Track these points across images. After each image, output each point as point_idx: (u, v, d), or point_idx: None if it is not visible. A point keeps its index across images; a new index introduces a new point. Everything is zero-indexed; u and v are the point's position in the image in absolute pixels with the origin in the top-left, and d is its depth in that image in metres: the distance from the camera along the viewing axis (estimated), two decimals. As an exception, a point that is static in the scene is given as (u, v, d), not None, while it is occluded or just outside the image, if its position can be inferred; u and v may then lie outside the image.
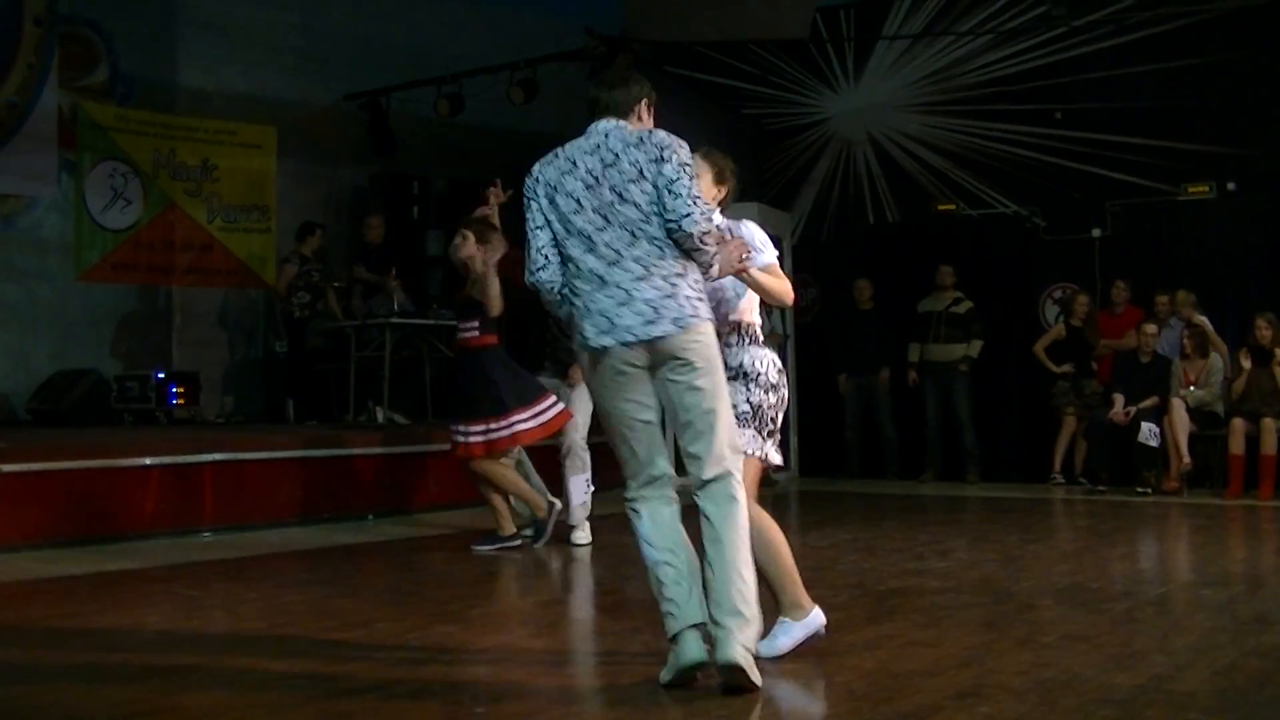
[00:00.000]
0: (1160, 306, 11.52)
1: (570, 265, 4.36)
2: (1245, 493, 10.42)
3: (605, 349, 4.29)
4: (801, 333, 13.43)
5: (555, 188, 4.40)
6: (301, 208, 13.49)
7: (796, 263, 13.56)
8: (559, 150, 4.51)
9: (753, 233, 4.78)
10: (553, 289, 4.40)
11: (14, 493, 7.67)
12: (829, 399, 13.03)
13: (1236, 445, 10.53)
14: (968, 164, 13.45)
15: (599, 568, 7.41)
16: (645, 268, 4.27)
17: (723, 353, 4.45)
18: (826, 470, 12.99)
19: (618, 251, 4.28)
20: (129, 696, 4.24)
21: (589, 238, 4.31)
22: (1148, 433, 10.81)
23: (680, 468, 4.50)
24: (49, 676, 4.60)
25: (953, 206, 13.49)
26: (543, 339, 7.65)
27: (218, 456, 8.69)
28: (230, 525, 8.57)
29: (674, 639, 4.22)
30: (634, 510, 4.40)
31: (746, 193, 13.82)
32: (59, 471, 7.91)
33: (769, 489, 11.75)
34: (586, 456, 8.16)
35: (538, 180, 4.47)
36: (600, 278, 4.30)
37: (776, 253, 4.84)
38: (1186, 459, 10.70)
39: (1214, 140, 12.14)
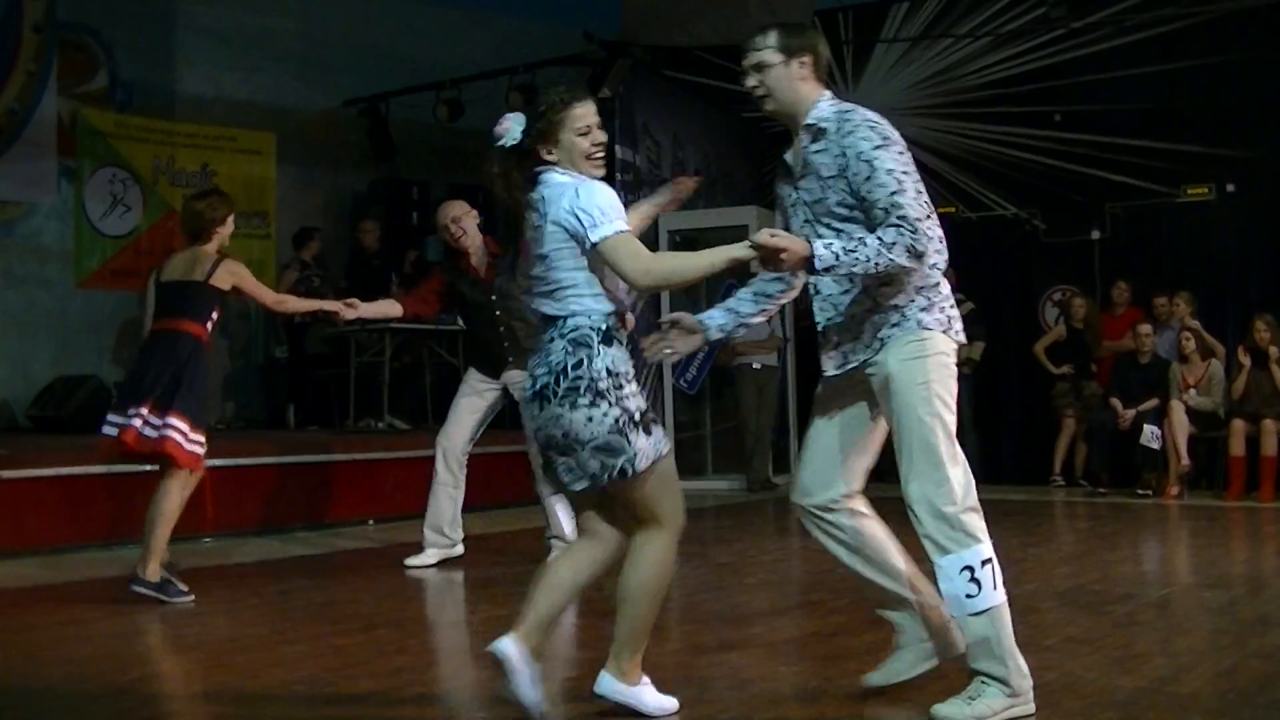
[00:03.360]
0: (1159, 309, 11.52)
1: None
2: (1246, 494, 10.42)
3: None
4: (802, 336, 13.42)
5: None
6: (301, 214, 13.51)
7: (796, 266, 13.55)
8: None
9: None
10: None
11: (15, 499, 7.67)
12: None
13: (1237, 447, 10.53)
14: (967, 167, 13.45)
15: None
16: None
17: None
18: (827, 474, 12.97)
19: None
20: (130, 703, 4.24)
21: None
22: (1150, 435, 10.81)
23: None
24: (50, 682, 4.60)
25: (952, 209, 13.47)
26: (510, 334, 7.24)
27: (218, 462, 8.65)
28: (231, 531, 8.57)
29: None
30: None
31: (746, 196, 13.92)
32: (59, 478, 7.91)
33: (771, 493, 11.78)
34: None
35: None
36: None
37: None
38: (1186, 461, 10.70)
39: (1213, 142, 12.15)
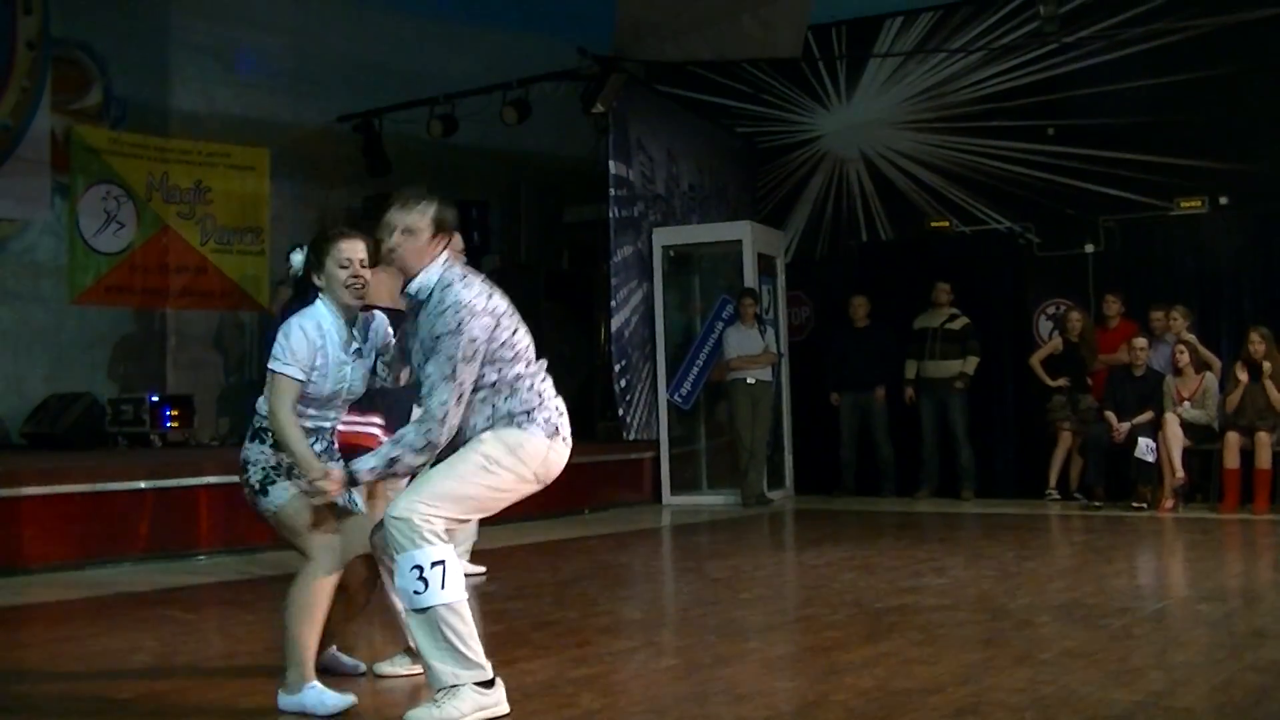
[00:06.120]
0: (1156, 322, 11.52)
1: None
2: (1240, 507, 10.42)
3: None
4: (795, 351, 13.43)
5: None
6: (295, 230, 13.49)
7: (790, 281, 13.58)
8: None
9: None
10: None
11: (9, 517, 7.65)
12: (824, 417, 13.03)
13: (1231, 459, 10.53)
14: (961, 181, 13.48)
15: (595, 588, 7.40)
16: None
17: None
18: (822, 488, 12.97)
19: None
20: (124, 721, 4.22)
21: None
22: (1144, 448, 10.80)
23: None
24: (44, 701, 4.58)
25: (946, 223, 13.52)
26: None
27: (212, 480, 8.66)
28: (225, 548, 8.54)
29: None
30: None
31: (739, 211, 13.94)
32: (54, 496, 7.88)
33: (766, 508, 11.77)
34: None
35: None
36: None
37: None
38: (1180, 474, 10.70)
39: (1207, 155, 12.20)
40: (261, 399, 4.59)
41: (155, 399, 12.02)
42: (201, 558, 8.41)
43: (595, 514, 11.35)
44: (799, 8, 12.40)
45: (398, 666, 4.93)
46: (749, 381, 12.07)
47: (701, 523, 11.00)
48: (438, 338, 4.21)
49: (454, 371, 4.19)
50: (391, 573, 4.34)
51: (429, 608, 4.13)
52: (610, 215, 12.16)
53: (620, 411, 12.21)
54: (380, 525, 4.33)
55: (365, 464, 4.27)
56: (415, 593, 4.13)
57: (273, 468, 4.53)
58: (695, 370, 12.57)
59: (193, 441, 12.22)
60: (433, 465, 4.40)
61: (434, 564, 4.13)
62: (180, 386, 12.81)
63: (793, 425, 13.29)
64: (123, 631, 5.97)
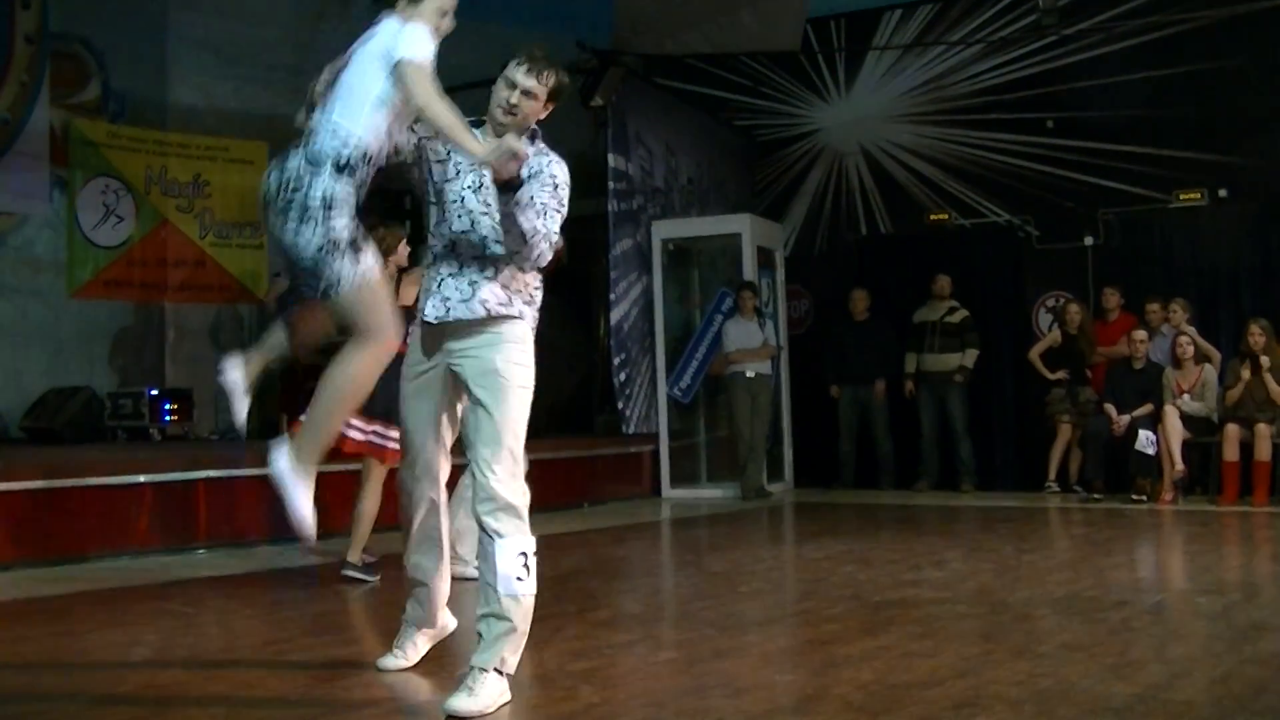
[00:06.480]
0: (1152, 315, 11.53)
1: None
2: (1240, 499, 10.43)
3: None
4: (795, 344, 13.42)
5: None
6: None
7: (789, 274, 13.58)
8: None
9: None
10: None
11: (9, 511, 7.65)
12: (823, 411, 13.03)
13: (1230, 452, 10.53)
14: (960, 174, 13.47)
15: (594, 581, 7.40)
16: None
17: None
18: (821, 482, 12.97)
19: None
20: (124, 715, 4.22)
21: None
22: (1145, 440, 10.81)
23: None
24: (43, 695, 4.58)
25: (945, 216, 13.52)
26: None
27: (212, 473, 8.66)
28: (224, 542, 8.54)
29: None
30: None
31: (738, 204, 13.93)
32: (53, 490, 7.88)
33: (765, 501, 11.77)
34: None
35: None
36: None
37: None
38: (1180, 466, 10.70)
39: (1206, 148, 12.19)
40: (334, 117, 4.14)
41: (154, 393, 12.02)
42: (201, 551, 8.41)
43: (594, 507, 11.35)
44: (797, 1, 12.38)
45: (400, 659, 4.92)
46: (748, 375, 12.07)
47: (700, 516, 11.01)
48: (552, 175, 4.36)
49: (560, 207, 4.34)
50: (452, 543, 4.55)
51: (525, 595, 4.22)
52: (609, 209, 12.16)
53: (619, 405, 12.21)
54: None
55: (527, 190, 4.21)
56: (519, 579, 4.20)
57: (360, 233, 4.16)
58: (694, 364, 12.57)
59: (192, 435, 12.22)
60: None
61: (534, 553, 4.27)
62: (179, 380, 12.81)
63: (792, 418, 13.29)
64: (122, 626, 5.97)
